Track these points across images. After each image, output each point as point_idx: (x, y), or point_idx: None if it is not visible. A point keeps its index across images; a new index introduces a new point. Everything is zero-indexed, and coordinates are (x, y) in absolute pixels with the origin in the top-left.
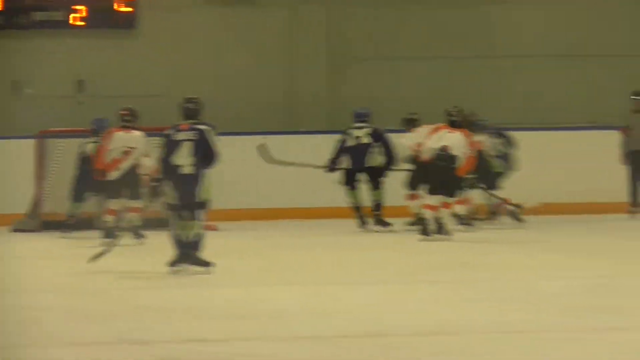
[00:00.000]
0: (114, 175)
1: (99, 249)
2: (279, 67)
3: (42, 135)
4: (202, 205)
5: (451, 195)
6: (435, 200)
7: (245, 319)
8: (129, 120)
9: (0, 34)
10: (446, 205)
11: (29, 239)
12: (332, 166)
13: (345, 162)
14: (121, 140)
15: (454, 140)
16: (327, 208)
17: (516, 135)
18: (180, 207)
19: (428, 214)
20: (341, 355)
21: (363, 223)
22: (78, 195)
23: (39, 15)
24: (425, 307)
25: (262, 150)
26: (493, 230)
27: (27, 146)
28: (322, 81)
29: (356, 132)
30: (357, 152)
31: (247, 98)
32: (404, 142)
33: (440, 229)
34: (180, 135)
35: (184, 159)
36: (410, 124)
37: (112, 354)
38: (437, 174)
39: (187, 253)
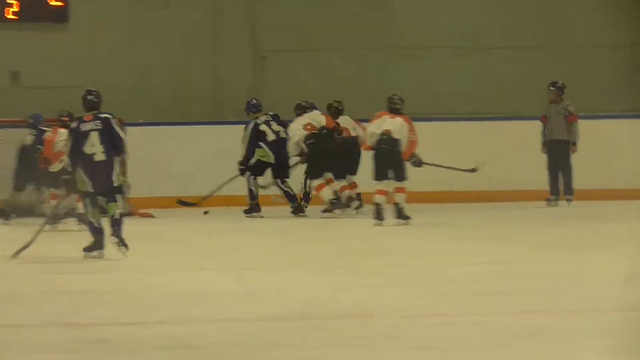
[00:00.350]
0: (57, 167)
1: (24, 243)
2: (205, 57)
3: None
4: (119, 189)
5: (401, 179)
6: (385, 185)
7: (172, 302)
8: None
9: None
10: (399, 189)
11: None
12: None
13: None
14: (63, 136)
15: (396, 126)
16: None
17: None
18: (96, 194)
19: (380, 199)
20: (264, 337)
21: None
22: (19, 184)
23: None
24: (339, 291)
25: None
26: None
27: None
28: (246, 72)
29: (274, 127)
30: (279, 146)
31: (173, 89)
32: (294, 128)
33: (400, 214)
34: (87, 126)
35: (94, 147)
36: (300, 109)
37: (46, 336)
38: (383, 158)
39: (101, 238)
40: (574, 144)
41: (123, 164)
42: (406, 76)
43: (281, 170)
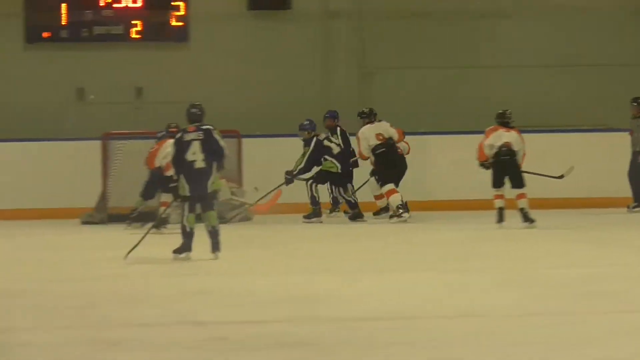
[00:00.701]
0: (169, 173)
1: (132, 245)
2: (314, 74)
3: (106, 138)
4: (213, 195)
5: (521, 186)
6: (502, 191)
7: (288, 303)
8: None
9: (66, 46)
10: (521, 195)
11: (96, 230)
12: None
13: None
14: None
15: (513, 138)
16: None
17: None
18: (193, 199)
19: (500, 202)
20: (379, 335)
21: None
22: (149, 192)
23: (101, 29)
24: (444, 293)
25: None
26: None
27: (94, 147)
28: (352, 89)
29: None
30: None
31: (284, 104)
32: (366, 134)
33: (526, 218)
34: (189, 136)
35: (195, 155)
36: (367, 116)
37: (173, 334)
38: (501, 168)
39: (190, 242)
40: None
41: (221, 170)
42: (502, 91)
43: (343, 180)
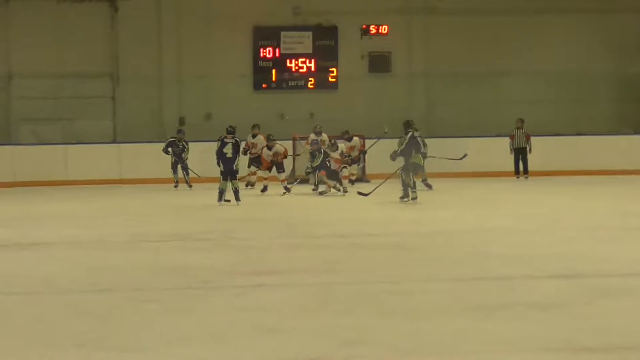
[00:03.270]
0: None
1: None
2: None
3: (295, 139)
4: (236, 172)
5: None
6: None
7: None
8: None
9: (275, 91)
10: None
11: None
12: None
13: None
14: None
15: None
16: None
17: None
18: (225, 174)
19: None
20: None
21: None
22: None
23: (293, 83)
24: None
25: None
26: None
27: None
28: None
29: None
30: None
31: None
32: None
33: None
34: (227, 140)
35: (228, 150)
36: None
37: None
38: None
39: (221, 196)
40: None
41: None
42: None
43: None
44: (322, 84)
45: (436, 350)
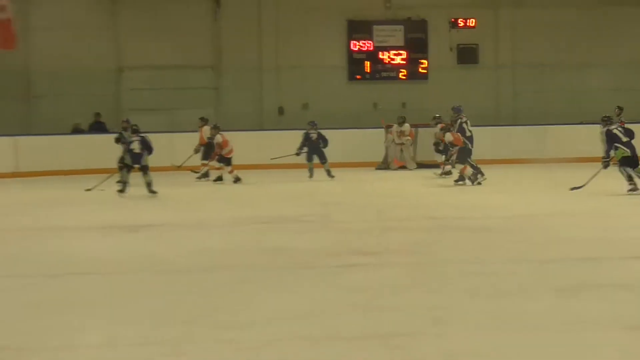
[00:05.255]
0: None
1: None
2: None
3: (383, 126)
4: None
5: None
6: None
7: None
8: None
9: (368, 82)
10: None
11: (381, 174)
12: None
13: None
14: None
15: None
16: None
17: None
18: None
19: None
20: None
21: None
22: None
23: (385, 74)
24: None
25: None
26: None
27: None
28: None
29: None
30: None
31: None
32: None
33: None
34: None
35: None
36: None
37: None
38: None
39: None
40: None
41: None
42: None
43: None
44: (413, 75)
45: (522, 328)
